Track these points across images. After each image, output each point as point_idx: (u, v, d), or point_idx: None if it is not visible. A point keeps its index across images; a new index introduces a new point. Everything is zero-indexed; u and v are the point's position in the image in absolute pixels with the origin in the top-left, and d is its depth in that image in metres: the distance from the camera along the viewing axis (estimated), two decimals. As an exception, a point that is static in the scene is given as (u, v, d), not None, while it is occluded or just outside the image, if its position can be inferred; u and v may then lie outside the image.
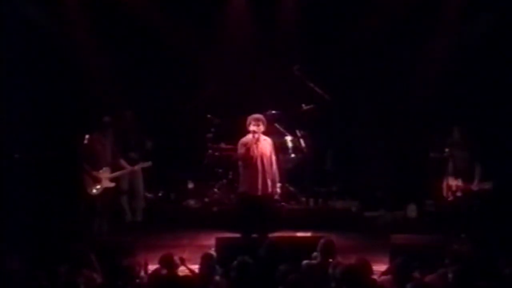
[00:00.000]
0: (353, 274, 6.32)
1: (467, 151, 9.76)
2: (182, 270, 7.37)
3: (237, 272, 6.73)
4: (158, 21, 11.69)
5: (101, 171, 9.64)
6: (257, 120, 8.94)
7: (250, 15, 11.75)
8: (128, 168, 10.04)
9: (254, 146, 8.88)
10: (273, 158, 9.09)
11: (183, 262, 7.35)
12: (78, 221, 9.93)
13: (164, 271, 7.04)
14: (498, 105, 11.01)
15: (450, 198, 9.83)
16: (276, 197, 9.32)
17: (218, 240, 8.34)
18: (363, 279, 6.52)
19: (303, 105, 11.05)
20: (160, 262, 7.15)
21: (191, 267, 7.55)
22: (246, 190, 8.98)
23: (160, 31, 11.71)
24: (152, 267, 7.55)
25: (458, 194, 9.74)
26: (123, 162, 10.00)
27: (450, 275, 6.40)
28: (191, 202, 11.29)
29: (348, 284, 6.29)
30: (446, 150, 10.04)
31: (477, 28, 11.22)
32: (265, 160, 8.94)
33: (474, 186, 9.58)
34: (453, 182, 9.80)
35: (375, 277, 7.18)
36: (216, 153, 11.26)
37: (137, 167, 10.27)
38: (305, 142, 10.93)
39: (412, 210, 10.97)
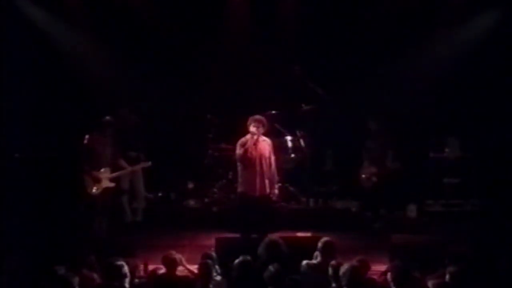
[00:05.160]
0: (354, 274, 6.32)
1: (382, 141, 10.59)
2: (181, 270, 7.37)
3: (237, 272, 6.74)
4: (157, 20, 11.68)
5: (101, 171, 9.65)
6: (258, 122, 8.93)
7: (250, 15, 11.75)
8: (128, 168, 10.05)
9: (253, 147, 8.88)
10: (272, 158, 9.08)
11: (182, 262, 7.35)
12: (78, 221, 9.94)
13: (163, 271, 7.04)
14: (496, 106, 11.04)
15: (368, 184, 10.65)
16: (274, 198, 9.31)
17: (218, 240, 8.34)
18: (364, 280, 6.54)
19: (303, 105, 11.05)
20: (162, 262, 7.14)
21: (191, 267, 7.56)
22: (245, 191, 8.99)
23: (160, 30, 11.70)
24: (152, 267, 7.57)
25: (374, 179, 10.57)
26: (123, 162, 10.01)
27: (448, 276, 6.40)
28: (191, 202, 11.28)
29: (350, 285, 6.29)
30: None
31: (476, 29, 11.25)
32: (263, 161, 8.94)
33: (386, 169, 10.48)
34: (367, 170, 10.66)
35: (375, 277, 7.20)
36: (216, 153, 11.26)
37: (137, 167, 10.28)
38: (305, 142, 10.92)
39: (412, 210, 10.97)
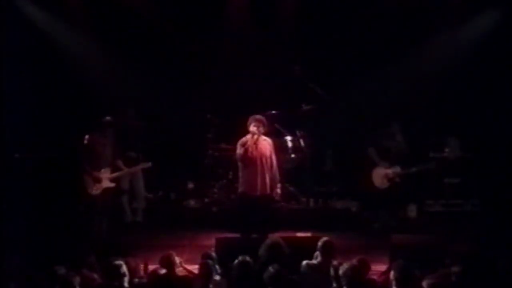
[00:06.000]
0: (355, 274, 6.32)
1: (403, 141, 10.61)
2: (180, 271, 7.37)
3: (237, 272, 6.74)
4: (157, 20, 11.68)
5: (101, 171, 9.64)
6: (258, 121, 8.92)
7: (250, 15, 11.75)
8: (125, 169, 10.00)
9: (253, 146, 8.87)
10: (273, 158, 9.07)
11: (181, 264, 7.35)
12: (78, 221, 9.94)
13: (163, 271, 7.04)
14: (496, 106, 11.05)
15: (386, 185, 10.54)
16: (277, 197, 9.31)
17: (218, 240, 8.34)
18: (364, 280, 6.53)
19: (303, 105, 11.05)
20: (160, 262, 7.15)
21: (191, 267, 7.56)
22: (245, 191, 8.98)
23: (160, 30, 11.70)
24: (152, 267, 7.57)
25: (397, 180, 10.50)
26: (120, 164, 9.96)
27: (453, 276, 6.38)
28: (191, 202, 11.29)
29: (350, 285, 6.29)
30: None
31: (476, 29, 11.26)
32: (264, 161, 8.92)
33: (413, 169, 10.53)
34: (390, 170, 10.51)
35: (375, 277, 7.20)
36: (216, 153, 11.26)
37: (136, 168, 10.26)
38: (305, 142, 10.93)
39: (412, 210, 10.99)
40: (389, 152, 10.66)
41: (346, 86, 11.57)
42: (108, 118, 9.77)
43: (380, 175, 10.64)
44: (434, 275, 6.58)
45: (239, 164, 9.07)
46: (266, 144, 9.02)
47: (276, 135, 10.38)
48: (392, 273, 6.54)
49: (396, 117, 11.01)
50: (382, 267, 7.67)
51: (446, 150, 11.17)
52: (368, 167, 10.77)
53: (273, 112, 10.73)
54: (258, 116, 9.00)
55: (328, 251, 7.12)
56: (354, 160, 11.18)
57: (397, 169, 10.54)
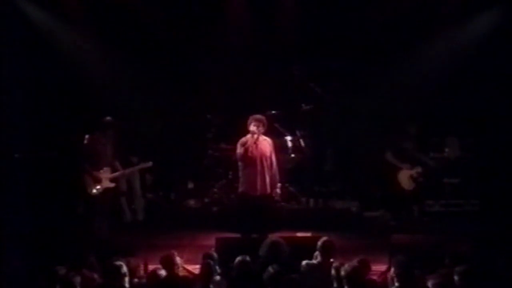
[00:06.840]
0: (355, 275, 6.32)
1: (418, 143, 10.79)
2: (180, 271, 7.37)
3: (237, 272, 6.74)
4: (158, 21, 11.68)
5: (101, 171, 9.64)
6: (258, 121, 8.91)
7: (250, 15, 11.75)
8: (121, 171, 9.96)
9: (253, 146, 8.86)
10: (273, 158, 9.07)
11: (181, 264, 7.36)
12: (78, 221, 9.94)
13: (163, 271, 7.04)
14: (496, 106, 11.06)
15: (413, 186, 10.71)
16: (276, 197, 9.31)
17: (218, 240, 8.35)
18: (365, 280, 6.53)
19: (303, 105, 11.05)
20: (160, 262, 7.15)
21: (191, 267, 7.56)
22: (245, 190, 8.98)
23: (160, 31, 11.70)
24: (152, 267, 7.57)
25: (420, 179, 10.67)
26: (117, 165, 9.93)
27: (456, 277, 6.37)
28: (191, 202, 11.30)
29: (351, 285, 6.29)
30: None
31: (476, 29, 11.26)
32: (264, 161, 8.92)
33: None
34: (413, 171, 10.67)
35: (375, 277, 7.21)
36: (216, 153, 11.26)
37: (135, 168, 10.25)
38: (305, 142, 10.93)
39: (412, 210, 10.99)
40: (406, 153, 10.69)
41: (346, 86, 11.58)
42: (108, 118, 9.76)
43: (406, 177, 10.71)
44: (437, 275, 6.58)
45: (239, 164, 9.07)
46: (266, 143, 9.01)
47: (276, 135, 10.38)
48: (392, 270, 6.55)
49: (396, 117, 11.04)
50: (382, 267, 7.67)
51: (446, 150, 11.18)
52: (392, 172, 10.80)
53: (273, 112, 10.74)
54: (258, 116, 8.99)
55: (328, 251, 7.13)
56: (375, 164, 11.23)
57: (419, 169, 10.68)
